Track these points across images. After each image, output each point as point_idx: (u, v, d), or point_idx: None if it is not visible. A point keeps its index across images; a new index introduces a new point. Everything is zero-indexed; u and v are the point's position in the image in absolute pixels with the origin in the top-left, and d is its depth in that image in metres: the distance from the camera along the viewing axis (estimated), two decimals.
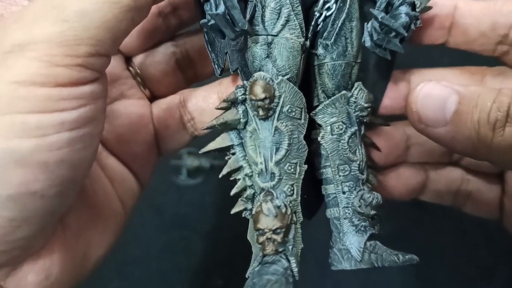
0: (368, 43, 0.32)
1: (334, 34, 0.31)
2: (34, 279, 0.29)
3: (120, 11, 0.26)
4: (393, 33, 0.31)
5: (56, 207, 0.27)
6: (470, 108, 0.27)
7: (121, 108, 0.35)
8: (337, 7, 0.31)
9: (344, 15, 0.31)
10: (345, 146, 0.32)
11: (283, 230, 0.29)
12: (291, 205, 0.30)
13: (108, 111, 0.31)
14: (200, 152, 0.33)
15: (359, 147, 0.32)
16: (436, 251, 0.54)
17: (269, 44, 0.30)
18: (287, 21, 0.30)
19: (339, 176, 0.32)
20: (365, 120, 0.32)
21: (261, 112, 0.29)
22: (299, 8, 0.30)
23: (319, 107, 0.32)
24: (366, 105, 0.32)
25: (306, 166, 0.31)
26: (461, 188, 0.39)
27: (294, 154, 0.30)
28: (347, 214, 0.32)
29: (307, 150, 0.31)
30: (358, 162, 0.32)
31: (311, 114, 0.32)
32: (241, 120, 0.31)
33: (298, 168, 0.30)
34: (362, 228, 0.31)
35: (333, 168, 0.32)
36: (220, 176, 0.32)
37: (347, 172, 0.32)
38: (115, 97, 0.35)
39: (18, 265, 0.28)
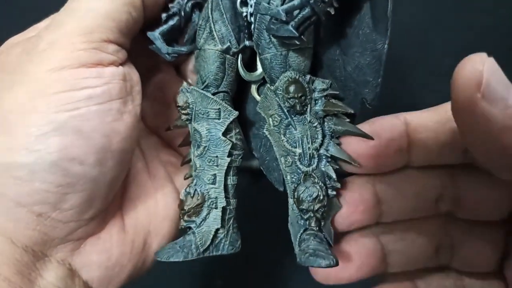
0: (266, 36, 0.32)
1: (255, 29, 0.33)
2: (96, 258, 0.34)
3: (118, 5, 0.32)
4: (277, 20, 0.30)
5: (99, 176, 0.31)
6: None
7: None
8: (254, 2, 0.33)
9: (263, 11, 0.31)
10: (282, 138, 0.33)
11: (192, 210, 0.34)
12: (207, 191, 0.34)
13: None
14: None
15: (305, 139, 0.32)
16: None
17: (196, 58, 0.35)
18: (209, 33, 0.34)
19: (285, 167, 0.33)
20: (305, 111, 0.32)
21: (182, 117, 0.35)
22: (225, 16, 0.34)
23: (259, 101, 0.34)
24: (289, 95, 0.32)
25: (228, 159, 0.34)
26: None
27: (213, 149, 0.34)
28: (293, 206, 0.33)
29: (229, 145, 0.34)
30: (298, 154, 0.33)
31: (257, 108, 0.34)
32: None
33: (219, 160, 0.34)
34: (301, 223, 0.32)
35: (280, 158, 0.34)
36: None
37: (290, 163, 0.33)
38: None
39: (80, 244, 0.33)
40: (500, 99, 0.21)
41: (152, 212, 0.37)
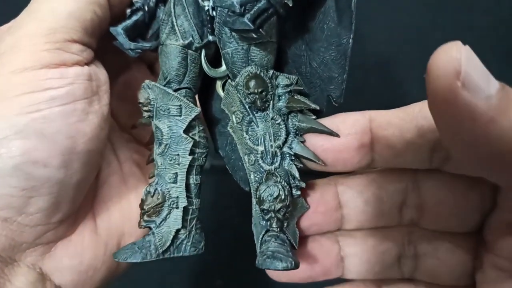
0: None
1: (217, 23, 0.32)
2: (68, 262, 0.33)
3: (81, 4, 0.31)
4: (233, 12, 0.29)
5: (65, 178, 0.31)
6: None
7: None
8: None
9: (218, 3, 0.31)
10: (244, 135, 0.32)
11: (151, 210, 0.33)
12: (168, 190, 0.33)
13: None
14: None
15: (267, 136, 0.31)
16: None
17: (160, 54, 0.34)
18: (171, 28, 0.33)
19: (248, 165, 0.32)
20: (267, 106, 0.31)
21: (144, 114, 0.34)
22: (187, 11, 0.33)
23: (223, 98, 0.33)
24: (249, 91, 0.31)
25: (190, 157, 0.33)
26: None
27: (174, 147, 0.33)
28: (256, 206, 0.32)
29: (191, 143, 0.33)
30: (261, 152, 0.32)
31: (221, 105, 0.34)
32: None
33: (180, 158, 0.33)
34: (263, 223, 0.31)
35: (243, 157, 0.33)
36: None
37: (253, 162, 0.32)
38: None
39: (51, 248, 0.33)
40: (481, 88, 0.20)
41: (126, 213, 0.37)
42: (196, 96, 0.36)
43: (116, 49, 0.34)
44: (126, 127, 0.41)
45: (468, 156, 0.24)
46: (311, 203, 0.32)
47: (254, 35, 0.29)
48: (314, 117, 0.32)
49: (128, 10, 0.34)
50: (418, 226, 0.33)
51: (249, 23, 0.29)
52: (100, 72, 0.34)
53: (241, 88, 0.31)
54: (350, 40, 0.29)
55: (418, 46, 0.72)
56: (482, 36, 0.69)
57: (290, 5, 0.29)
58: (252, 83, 0.30)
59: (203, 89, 0.36)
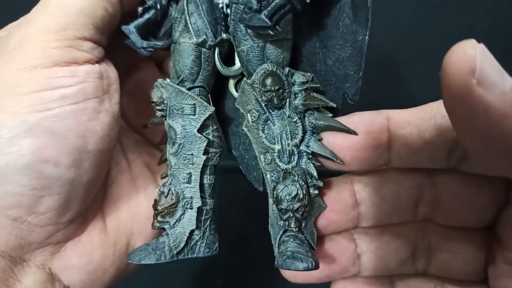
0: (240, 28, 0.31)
1: (231, 20, 0.31)
2: (77, 262, 0.33)
3: (93, 1, 0.31)
4: (250, 9, 0.29)
5: (75, 178, 0.30)
6: None
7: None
8: None
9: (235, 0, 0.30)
10: (260, 134, 0.31)
11: (165, 210, 0.32)
12: (182, 191, 0.33)
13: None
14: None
15: (284, 134, 0.31)
16: None
17: (172, 52, 0.33)
18: (184, 26, 0.33)
19: (264, 164, 0.32)
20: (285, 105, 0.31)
21: (157, 113, 0.33)
22: (201, 8, 0.32)
23: (238, 96, 0.33)
24: (265, 88, 0.30)
25: (204, 156, 0.33)
26: None
27: (188, 146, 0.33)
28: (273, 206, 0.32)
29: (205, 142, 0.33)
30: (277, 151, 0.31)
31: (235, 103, 0.33)
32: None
33: (194, 158, 0.33)
34: (281, 224, 0.31)
35: (259, 156, 0.32)
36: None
37: (269, 161, 0.31)
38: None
39: (60, 247, 0.32)
40: (495, 85, 0.20)
41: (135, 213, 0.36)
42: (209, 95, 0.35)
43: (125, 47, 0.34)
44: (135, 125, 0.40)
45: (483, 151, 0.24)
46: (328, 201, 0.32)
47: (270, 32, 0.29)
48: (330, 115, 0.31)
49: (140, 8, 0.34)
50: (432, 222, 0.33)
51: (266, 19, 0.28)
52: (110, 70, 0.33)
53: (257, 86, 0.31)
54: (366, 37, 0.29)
55: (418, 46, 0.73)
56: (482, 36, 0.69)
57: (308, 1, 0.28)
58: (268, 81, 0.30)
59: (216, 88, 0.35)
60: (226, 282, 0.58)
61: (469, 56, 0.20)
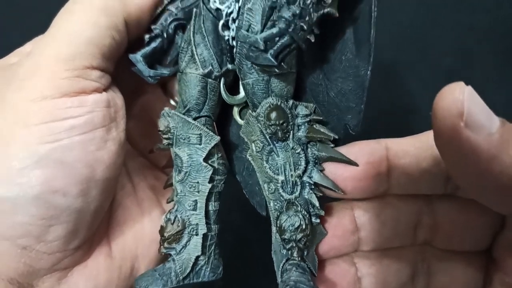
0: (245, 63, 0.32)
1: (237, 53, 0.32)
2: (83, 286, 0.33)
3: (101, 30, 0.31)
4: (256, 47, 0.29)
5: (83, 206, 0.31)
6: None
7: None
8: (236, 26, 0.32)
9: (242, 39, 0.30)
10: (264, 164, 0.32)
11: (172, 237, 0.33)
12: (188, 217, 0.34)
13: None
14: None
15: (287, 166, 0.32)
16: None
17: (179, 81, 0.34)
18: (191, 56, 0.33)
19: (268, 193, 0.33)
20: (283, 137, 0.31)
21: (164, 141, 0.34)
22: (207, 39, 0.33)
23: (242, 126, 0.33)
24: (270, 122, 0.31)
25: (210, 185, 0.34)
26: None
27: (194, 174, 0.34)
28: (276, 234, 0.32)
29: (210, 171, 0.33)
30: (281, 182, 0.32)
31: (240, 132, 0.34)
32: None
33: (200, 186, 0.34)
34: (284, 252, 0.32)
35: (263, 185, 0.33)
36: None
37: (272, 190, 0.32)
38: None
39: (67, 273, 0.33)
40: (483, 127, 0.21)
41: (139, 236, 0.37)
42: None
43: (129, 70, 0.34)
44: (140, 148, 0.41)
45: (474, 188, 0.25)
46: (329, 227, 0.33)
47: (276, 70, 0.30)
48: (332, 145, 0.32)
49: (147, 36, 0.34)
50: (431, 245, 0.33)
51: (272, 59, 0.29)
52: (117, 97, 0.34)
53: (262, 119, 0.31)
54: (368, 72, 0.29)
55: (418, 46, 0.73)
56: (482, 36, 0.70)
57: (313, 40, 0.29)
58: (273, 115, 0.31)
59: (220, 114, 0.36)
60: (226, 284, 0.59)
61: (458, 100, 0.21)
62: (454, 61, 0.70)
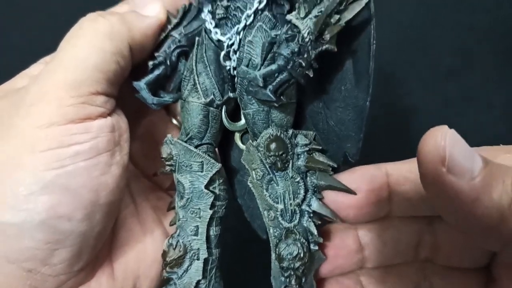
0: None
1: (238, 84, 0.32)
2: None
3: (106, 56, 0.32)
4: (255, 83, 0.30)
5: (87, 230, 0.31)
6: (502, 171, 0.23)
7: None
8: (237, 57, 0.33)
9: (242, 75, 0.31)
10: (264, 192, 0.33)
11: (174, 262, 0.34)
12: (190, 242, 0.34)
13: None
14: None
15: (287, 194, 0.32)
16: None
17: (181, 108, 0.35)
18: (193, 85, 0.34)
19: (268, 220, 0.33)
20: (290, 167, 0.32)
21: (166, 168, 0.35)
22: (209, 69, 0.33)
23: (243, 154, 0.34)
24: (270, 153, 0.31)
25: (211, 211, 0.34)
26: None
27: (196, 201, 0.34)
28: (275, 261, 0.33)
29: (212, 197, 0.34)
30: (280, 210, 0.32)
31: (241, 159, 0.34)
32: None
33: (201, 212, 0.34)
34: (282, 279, 0.32)
35: (263, 212, 0.34)
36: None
37: (272, 218, 0.33)
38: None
39: None
40: (465, 171, 0.22)
41: (141, 256, 0.37)
42: None
43: (133, 93, 0.35)
44: (142, 168, 0.41)
45: (460, 228, 0.26)
46: (333, 247, 0.33)
47: (275, 104, 0.31)
48: (331, 172, 0.33)
49: (150, 63, 0.35)
50: (433, 262, 0.34)
51: (271, 95, 0.29)
52: (121, 120, 0.34)
53: (262, 149, 0.32)
54: (367, 103, 0.30)
55: (418, 46, 0.73)
56: (482, 36, 0.70)
57: (311, 76, 0.30)
58: (273, 146, 0.31)
59: (222, 139, 0.37)
60: (226, 283, 0.59)
61: (439, 146, 0.22)
62: (454, 61, 0.70)
